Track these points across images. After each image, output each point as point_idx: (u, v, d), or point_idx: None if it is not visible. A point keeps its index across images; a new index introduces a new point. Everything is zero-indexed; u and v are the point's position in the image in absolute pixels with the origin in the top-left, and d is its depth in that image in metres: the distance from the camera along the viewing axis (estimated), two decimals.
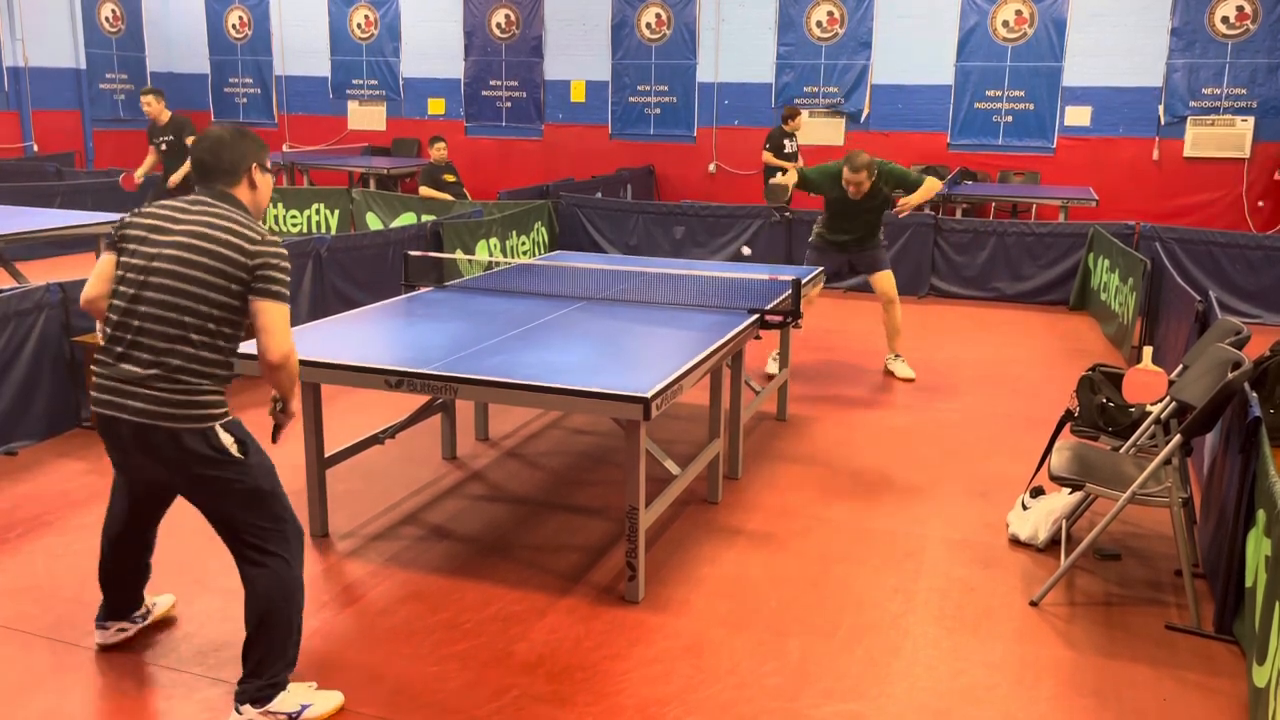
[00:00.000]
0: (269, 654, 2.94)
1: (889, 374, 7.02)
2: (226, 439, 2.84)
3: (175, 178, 9.56)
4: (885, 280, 7.02)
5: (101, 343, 2.90)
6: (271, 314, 2.82)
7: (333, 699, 3.09)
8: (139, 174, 9.90)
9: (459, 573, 4.03)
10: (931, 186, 6.85)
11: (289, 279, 2.89)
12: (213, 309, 2.80)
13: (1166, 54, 12.06)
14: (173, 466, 2.85)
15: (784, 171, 11.42)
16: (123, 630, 3.43)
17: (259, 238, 2.84)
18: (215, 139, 2.94)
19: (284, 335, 2.83)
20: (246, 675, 2.95)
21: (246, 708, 2.94)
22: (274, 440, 3.14)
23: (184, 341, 2.78)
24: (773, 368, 6.83)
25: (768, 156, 11.57)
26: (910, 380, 6.87)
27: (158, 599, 3.59)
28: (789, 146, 11.57)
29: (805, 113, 11.63)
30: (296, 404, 3.07)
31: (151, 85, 9.26)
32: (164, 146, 9.56)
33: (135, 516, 3.21)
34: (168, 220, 2.87)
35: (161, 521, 3.32)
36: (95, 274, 2.95)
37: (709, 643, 3.55)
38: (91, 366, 2.89)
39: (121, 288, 2.85)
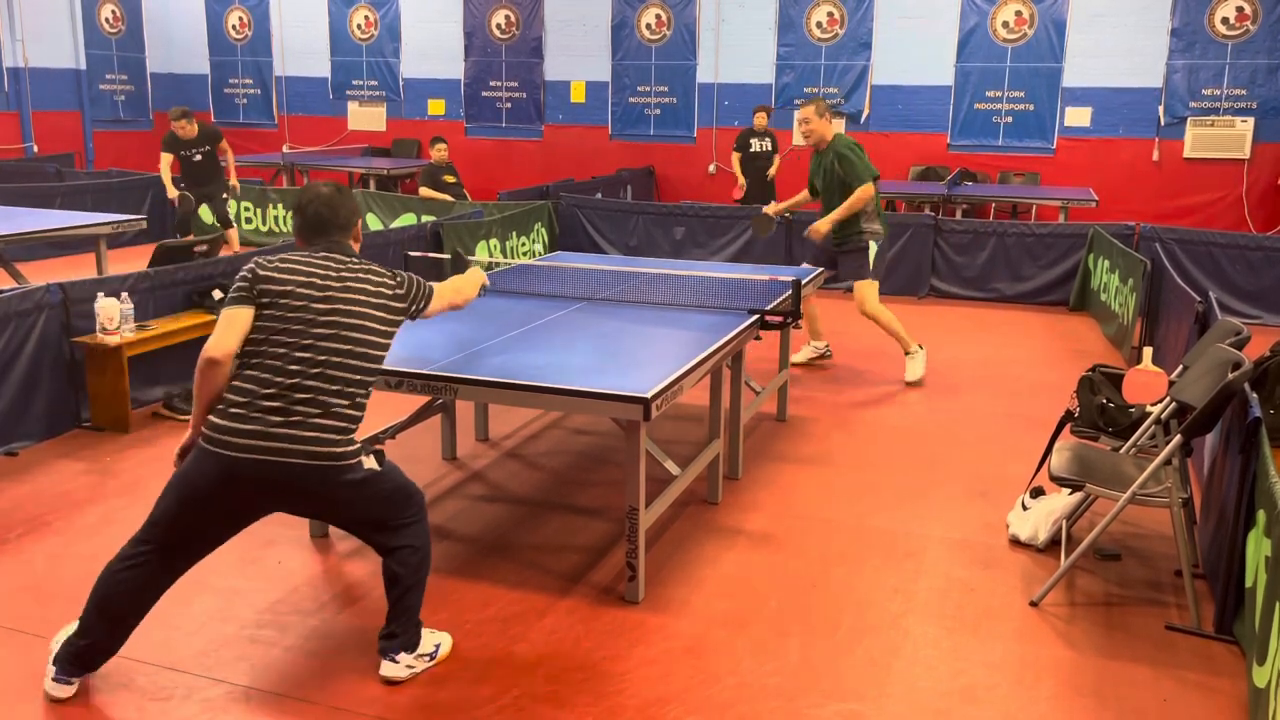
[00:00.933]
0: (416, 606, 3.29)
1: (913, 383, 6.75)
2: (370, 462, 3.10)
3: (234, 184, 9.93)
4: (858, 292, 6.71)
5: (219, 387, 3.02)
6: (439, 287, 3.48)
7: (448, 638, 3.45)
8: (170, 187, 9.74)
9: (459, 573, 4.03)
10: (864, 194, 6.48)
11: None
12: (379, 357, 3.13)
13: (1166, 55, 12.06)
14: (323, 499, 3.06)
15: (740, 184, 11.54)
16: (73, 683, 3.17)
17: (396, 280, 3.23)
18: (329, 196, 3.22)
19: (442, 286, 3.54)
20: (396, 630, 3.25)
21: (402, 655, 3.26)
22: None
23: (351, 386, 3.03)
24: (806, 353, 7.08)
25: (734, 158, 11.67)
26: (916, 383, 6.77)
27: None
28: (756, 145, 11.58)
29: (766, 111, 11.68)
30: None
31: (180, 107, 9.66)
32: (199, 157, 9.72)
33: (201, 548, 3.13)
34: (320, 275, 3.08)
35: None
36: (231, 328, 3.00)
37: (709, 643, 3.55)
38: (220, 408, 2.96)
39: (278, 338, 2.99)
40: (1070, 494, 4.34)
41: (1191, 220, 11.83)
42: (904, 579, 4.06)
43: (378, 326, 3.11)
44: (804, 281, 5.45)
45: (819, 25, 13.34)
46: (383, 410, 5.76)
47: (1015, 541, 4.39)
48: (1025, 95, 12.66)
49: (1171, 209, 12.16)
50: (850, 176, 6.51)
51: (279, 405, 2.93)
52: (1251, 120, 11.87)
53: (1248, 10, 11.70)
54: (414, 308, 3.29)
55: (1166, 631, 3.69)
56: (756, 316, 4.77)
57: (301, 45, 15.97)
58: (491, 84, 15.10)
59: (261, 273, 3.05)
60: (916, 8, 12.91)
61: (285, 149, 15.71)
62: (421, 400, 5.12)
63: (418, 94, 15.51)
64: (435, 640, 3.39)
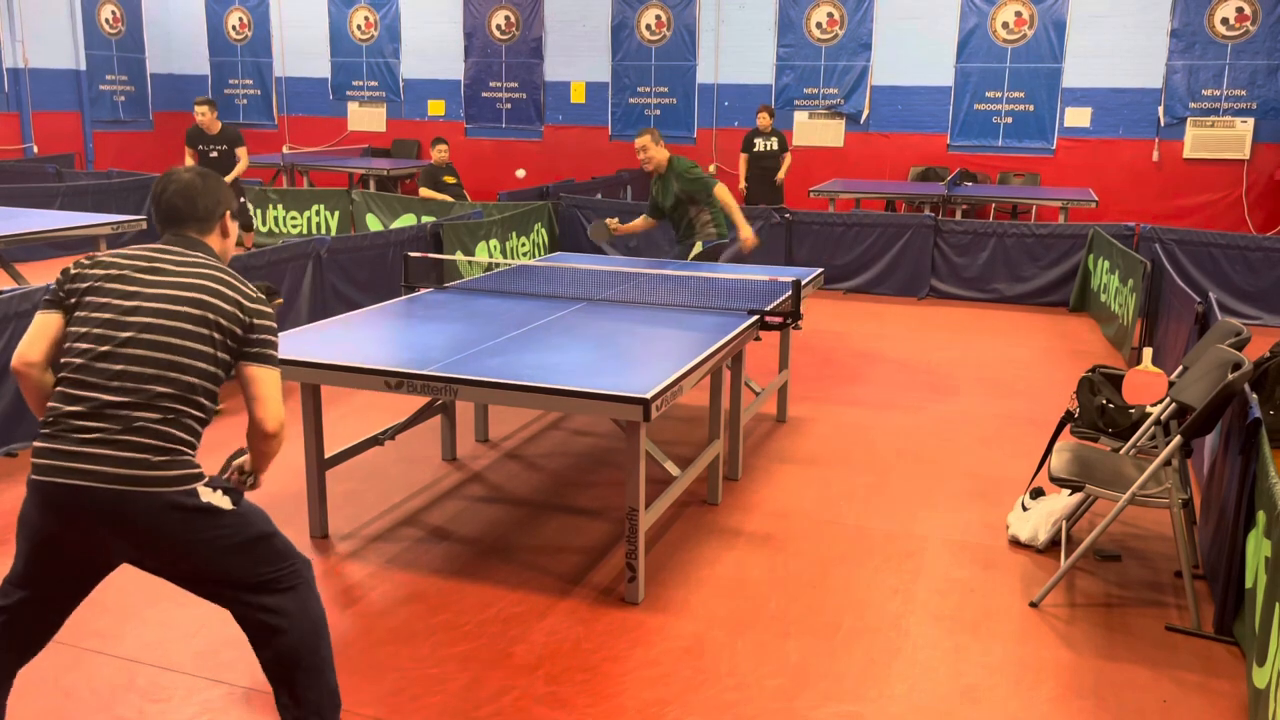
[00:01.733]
0: (323, 701, 2.69)
1: None
2: (211, 495, 2.55)
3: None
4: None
5: (40, 415, 2.57)
6: (268, 382, 2.63)
7: None
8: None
9: (459, 574, 4.03)
10: (724, 194, 6.66)
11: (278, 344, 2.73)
12: (205, 368, 2.55)
13: (1166, 55, 12.06)
14: (153, 536, 2.49)
15: (740, 188, 11.56)
16: None
17: (254, 296, 2.64)
18: (187, 183, 2.72)
19: (279, 403, 2.65)
20: None
21: None
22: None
23: (166, 400, 2.50)
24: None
25: (741, 160, 11.69)
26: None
27: None
28: (760, 145, 11.59)
29: (769, 111, 11.69)
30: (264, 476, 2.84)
31: (204, 96, 9.91)
32: (215, 154, 9.79)
33: (50, 614, 2.63)
34: (143, 270, 2.58)
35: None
36: (36, 334, 2.58)
37: (709, 644, 3.55)
38: (40, 432, 2.52)
39: (83, 345, 2.51)
40: (1070, 495, 4.35)
41: (1191, 221, 11.84)
42: (904, 579, 4.06)
43: (203, 332, 2.54)
44: (804, 282, 5.45)
45: (819, 26, 13.34)
46: (383, 411, 5.77)
47: (1015, 542, 4.39)
48: (1025, 96, 12.66)
49: (1171, 209, 12.17)
50: (701, 186, 6.69)
51: (83, 422, 2.46)
52: (1251, 120, 11.88)
53: (1248, 10, 11.70)
54: (252, 349, 2.62)
55: (1166, 632, 3.69)
56: (756, 317, 4.77)
57: (301, 45, 15.98)
58: (491, 84, 15.10)
59: (73, 270, 2.61)
60: (916, 8, 12.91)
61: (285, 149, 15.71)
62: (421, 401, 5.12)
63: (418, 94, 15.52)
64: None
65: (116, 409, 2.47)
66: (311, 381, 4.03)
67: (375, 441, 4.69)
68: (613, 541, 4.33)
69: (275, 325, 2.68)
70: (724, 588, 3.95)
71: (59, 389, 2.53)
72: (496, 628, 3.62)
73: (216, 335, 2.56)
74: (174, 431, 2.51)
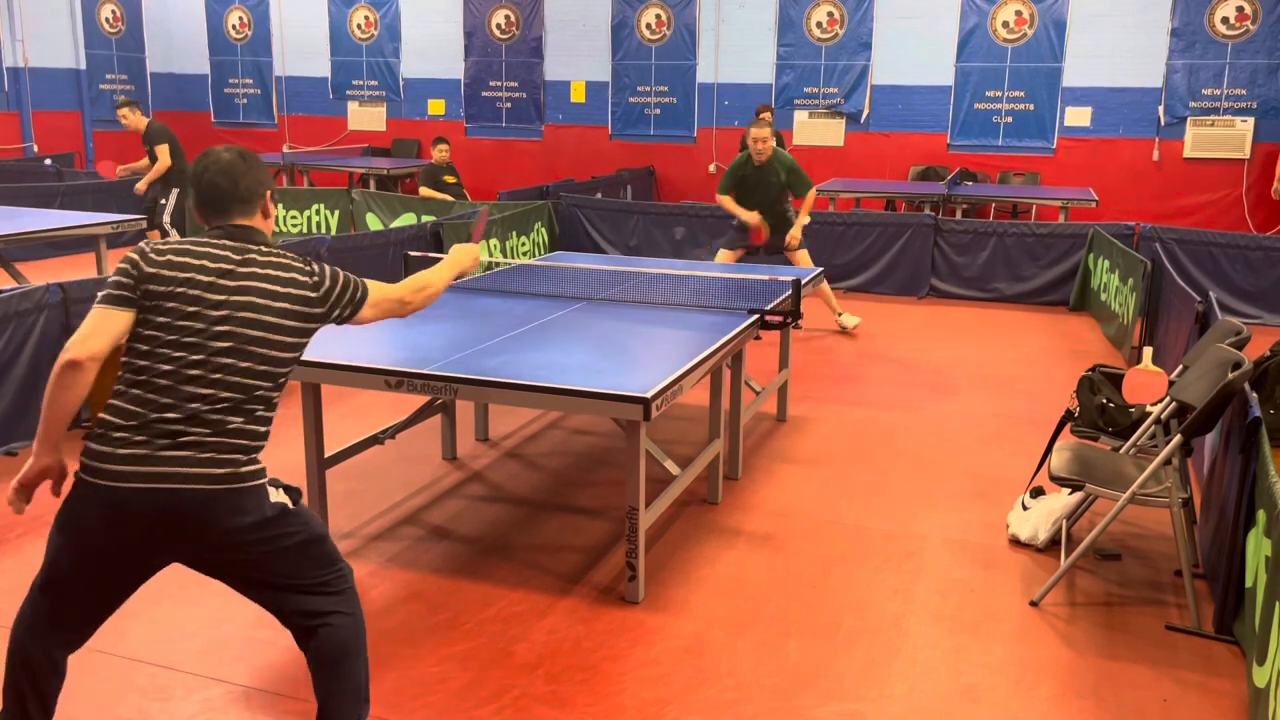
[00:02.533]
0: (358, 703, 2.71)
1: (842, 330, 8.04)
2: (277, 494, 2.59)
3: (140, 186, 9.68)
4: (802, 257, 7.77)
5: (98, 415, 2.54)
6: (379, 289, 2.88)
7: None
8: (123, 169, 9.94)
9: (459, 573, 4.03)
10: (813, 195, 7.77)
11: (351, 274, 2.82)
12: (287, 364, 2.61)
13: (1166, 54, 12.06)
14: (222, 535, 2.50)
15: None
16: None
17: (313, 275, 2.66)
18: (228, 163, 2.64)
19: (397, 287, 2.97)
20: None
21: None
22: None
23: (251, 403, 2.53)
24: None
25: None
26: (855, 325, 8.03)
27: None
28: None
29: (769, 110, 11.71)
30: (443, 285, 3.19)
31: (126, 95, 9.67)
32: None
33: (97, 612, 2.64)
34: (220, 274, 2.54)
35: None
36: (101, 329, 2.49)
37: (709, 643, 3.55)
38: (100, 432, 2.49)
39: (175, 352, 2.48)
40: (1070, 494, 4.35)
41: (1191, 220, 11.83)
42: (904, 579, 4.06)
43: (284, 336, 2.57)
44: (804, 281, 5.45)
45: (819, 25, 13.33)
46: (383, 410, 5.77)
47: (1015, 541, 4.39)
48: (1025, 95, 12.66)
49: (1171, 209, 12.16)
50: (801, 180, 7.74)
51: (169, 427, 2.45)
52: (1251, 120, 11.87)
53: (1248, 10, 11.69)
54: (337, 312, 2.72)
55: (1166, 632, 3.69)
56: (756, 316, 4.77)
57: (301, 45, 15.97)
58: (491, 84, 15.09)
59: (148, 269, 2.52)
60: (916, 8, 12.90)
61: (285, 149, 15.71)
62: (421, 400, 5.12)
63: (418, 94, 15.51)
64: None
65: (211, 414, 2.48)
66: (312, 381, 4.03)
67: (375, 441, 4.69)
68: (613, 541, 4.33)
69: (343, 274, 2.75)
70: (724, 587, 3.95)
71: (136, 391, 2.49)
72: (496, 627, 3.62)
73: (302, 324, 2.62)
74: (258, 429, 2.56)
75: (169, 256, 2.54)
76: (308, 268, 2.65)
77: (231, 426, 2.50)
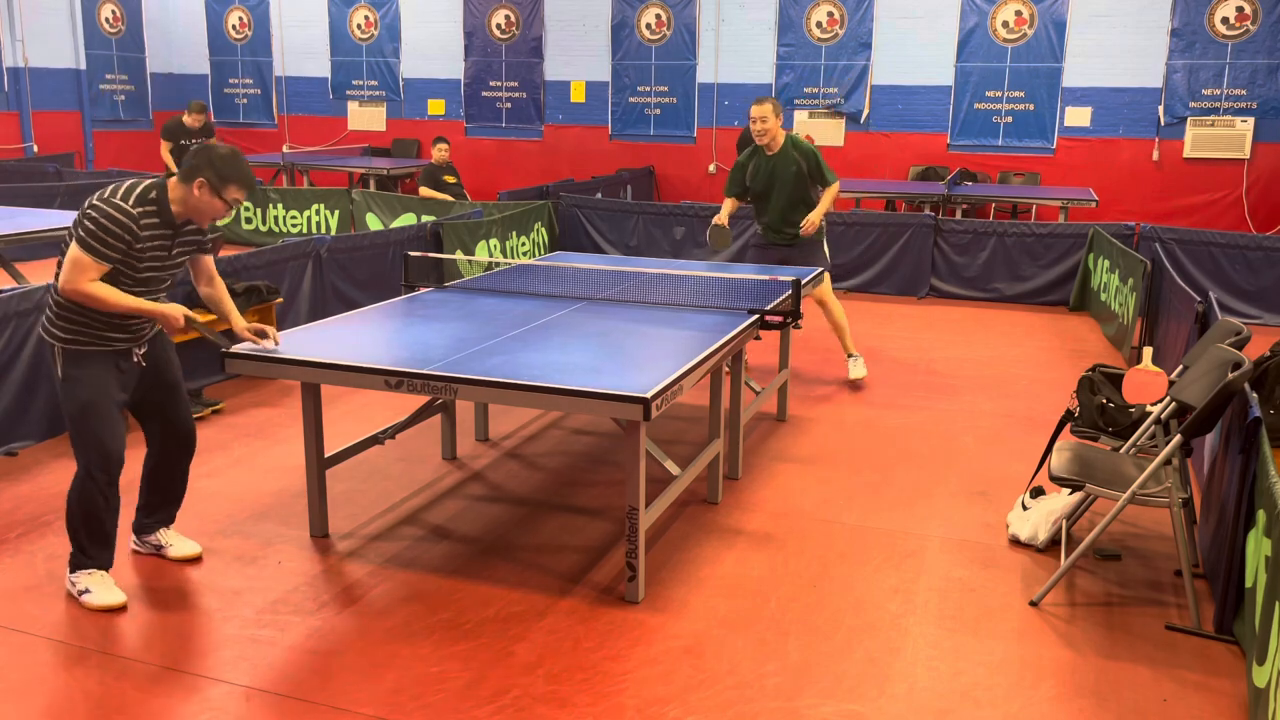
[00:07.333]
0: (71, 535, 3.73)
1: (849, 379, 6.75)
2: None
3: None
4: (825, 290, 6.61)
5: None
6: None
7: (113, 596, 3.68)
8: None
9: (459, 573, 4.03)
10: (836, 189, 6.50)
11: (97, 231, 3.45)
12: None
13: (1166, 55, 12.06)
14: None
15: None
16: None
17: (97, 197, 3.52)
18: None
19: (70, 274, 3.50)
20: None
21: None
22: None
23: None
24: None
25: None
26: (860, 379, 6.72)
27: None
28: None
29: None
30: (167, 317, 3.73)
31: (199, 101, 10.61)
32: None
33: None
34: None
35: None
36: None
37: (709, 643, 3.55)
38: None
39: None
40: (1070, 494, 4.35)
41: (1191, 220, 11.84)
42: (904, 579, 4.06)
43: None
44: (804, 281, 5.45)
45: (819, 25, 13.34)
46: (383, 410, 5.77)
47: (1015, 541, 4.39)
48: (1025, 95, 12.66)
49: (1171, 209, 12.16)
50: (824, 172, 6.46)
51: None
52: (1251, 120, 11.87)
53: (1248, 10, 11.70)
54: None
55: (1166, 631, 3.69)
56: (756, 316, 4.77)
57: (301, 45, 15.97)
58: (491, 84, 15.10)
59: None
60: (916, 8, 12.90)
61: (285, 149, 15.71)
62: (421, 400, 5.12)
63: (418, 94, 15.51)
64: (90, 584, 3.70)
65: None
66: (312, 381, 4.03)
67: (375, 440, 4.69)
68: (613, 541, 4.33)
69: (93, 214, 3.49)
70: (724, 587, 3.95)
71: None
72: (497, 627, 3.62)
73: None
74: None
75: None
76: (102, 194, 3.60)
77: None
